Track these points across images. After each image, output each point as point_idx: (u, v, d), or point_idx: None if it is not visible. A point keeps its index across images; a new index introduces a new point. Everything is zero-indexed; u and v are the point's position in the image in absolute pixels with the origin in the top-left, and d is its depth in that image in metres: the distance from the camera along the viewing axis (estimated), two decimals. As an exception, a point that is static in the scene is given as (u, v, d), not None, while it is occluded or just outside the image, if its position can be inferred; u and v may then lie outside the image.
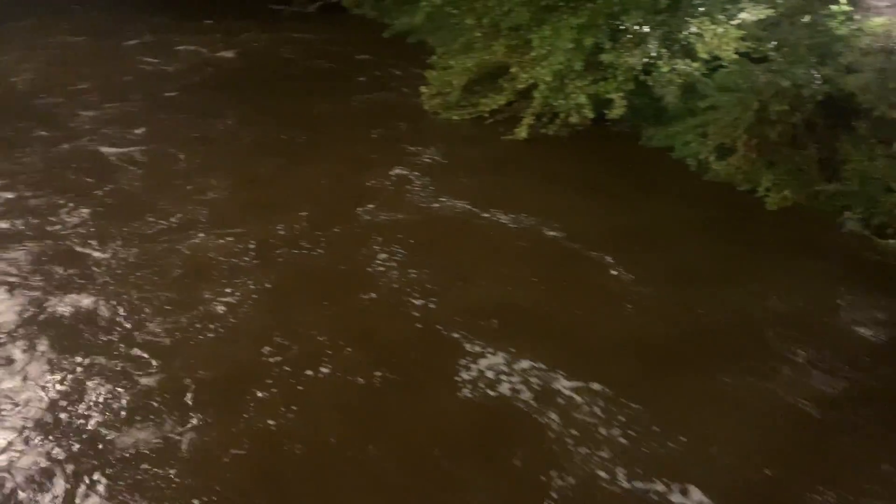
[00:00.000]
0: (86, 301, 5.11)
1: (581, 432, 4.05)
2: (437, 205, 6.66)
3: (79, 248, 5.81)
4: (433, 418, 4.20)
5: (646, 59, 7.61)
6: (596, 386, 4.36)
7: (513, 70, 8.41)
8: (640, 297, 5.34)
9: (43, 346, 4.67)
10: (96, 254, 5.73)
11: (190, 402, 4.22)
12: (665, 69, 7.53)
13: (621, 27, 7.85)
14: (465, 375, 4.46)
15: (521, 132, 8.00)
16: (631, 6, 7.73)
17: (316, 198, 6.81)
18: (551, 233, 6.22)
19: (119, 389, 4.31)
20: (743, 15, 7.73)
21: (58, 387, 4.32)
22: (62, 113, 8.78)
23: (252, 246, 5.85)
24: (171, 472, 3.75)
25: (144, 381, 4.39)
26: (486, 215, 6.45)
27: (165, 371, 4.46)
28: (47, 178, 7.05)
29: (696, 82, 7.45)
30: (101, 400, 4.22)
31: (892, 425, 4.17)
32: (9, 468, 3.75)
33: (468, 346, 4.70)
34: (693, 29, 7.68)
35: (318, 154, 7.85)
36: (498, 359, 4.59)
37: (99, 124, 8.43)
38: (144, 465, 3.79)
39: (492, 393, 4.33)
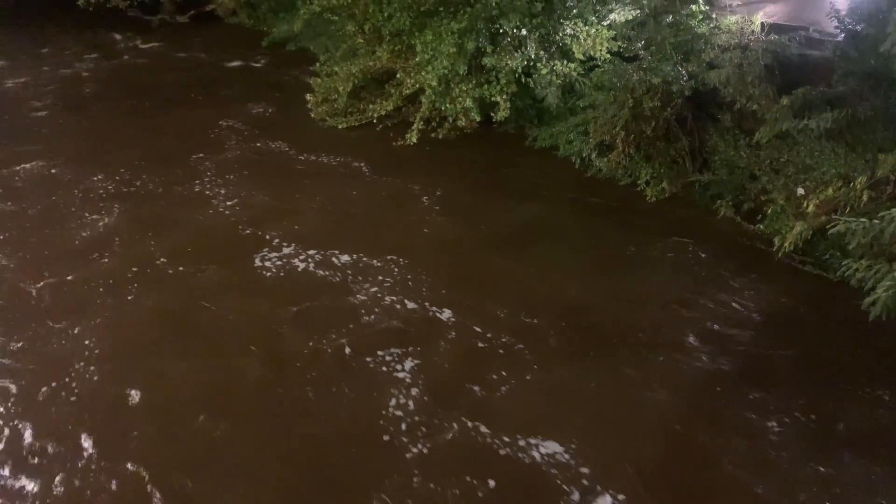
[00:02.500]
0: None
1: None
2: (324, 214, 6.58)
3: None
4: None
5: (526, 62, 7.84)
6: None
7: (399, 75, 8.43)
8: (525, 286, 5.57)
9: None
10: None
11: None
12: (544, 70, 7.79)
13: (501, 31, 8.03)
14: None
15: (412, 137, 8.04)
16: (508, 10, 7.91)
17: (202, 214, 6.55)
18: (437, 230, 6.35)
19: None
20: (612, 16, 8.12)
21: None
22: None
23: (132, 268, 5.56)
24: None
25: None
26: (367, 233, 6.42)
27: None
28: None
29: (575, 82, 7.77)
30: None
31: (764, 391, 4.53)
32: None
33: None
34: (568, 31, 7.98)
35: (195, 164, 7.53)
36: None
37: None
38: None
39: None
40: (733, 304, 5.38)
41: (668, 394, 4.53)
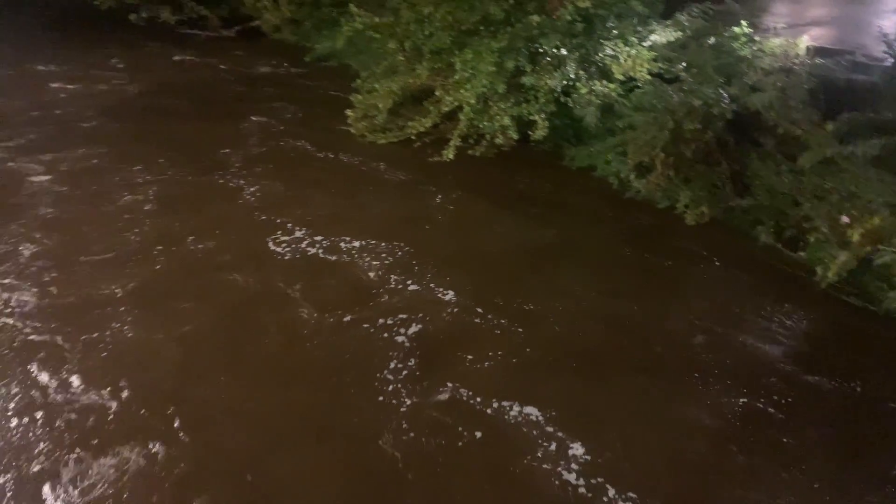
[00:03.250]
0: None
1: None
2: (363, 225, 6.65)
3: None
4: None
5: (565, 81, 7.86)
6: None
7: (437, 93, 8.50)
8: (550, 302, 5.54)
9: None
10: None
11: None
12: (583, 90, 7.79)
13: (540, 50, 8.06)
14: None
15: (448, 153, 8.09)
16: (548, 30, 7.95)
17: (230, 221, 6.68)
18: (474, 245, 6.39)
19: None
20: (654, 37, 8.09)
21: None
22: None
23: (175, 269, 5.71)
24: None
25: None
26: (405, 238, 6.45)
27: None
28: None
29: (614, 103, 7.74)
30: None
31: (799, 434, 4.41)
32: None
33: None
34: (608, 51, 7.98)
35: (239, 174, 7.68)
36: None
37: (13, 152, 8.00)
38: None
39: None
40: (772, 333, 5.27)
41: (693, 416, 4.44)
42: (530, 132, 7.93)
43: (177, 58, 12.29)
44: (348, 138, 8.82)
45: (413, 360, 4.84)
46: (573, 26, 7.88)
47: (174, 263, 5.85)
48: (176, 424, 4.22)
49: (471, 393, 4.56)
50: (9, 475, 3.84)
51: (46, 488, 3.78)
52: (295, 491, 3.86)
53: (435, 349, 4.99)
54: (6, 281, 5.48)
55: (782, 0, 11.14)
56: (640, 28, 8.16)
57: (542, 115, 7.79)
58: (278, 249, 6.19)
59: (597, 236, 6.75)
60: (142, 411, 4.31)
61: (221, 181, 7.50)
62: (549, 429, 4.32)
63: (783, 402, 4.61)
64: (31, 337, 4.89)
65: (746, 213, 6.70)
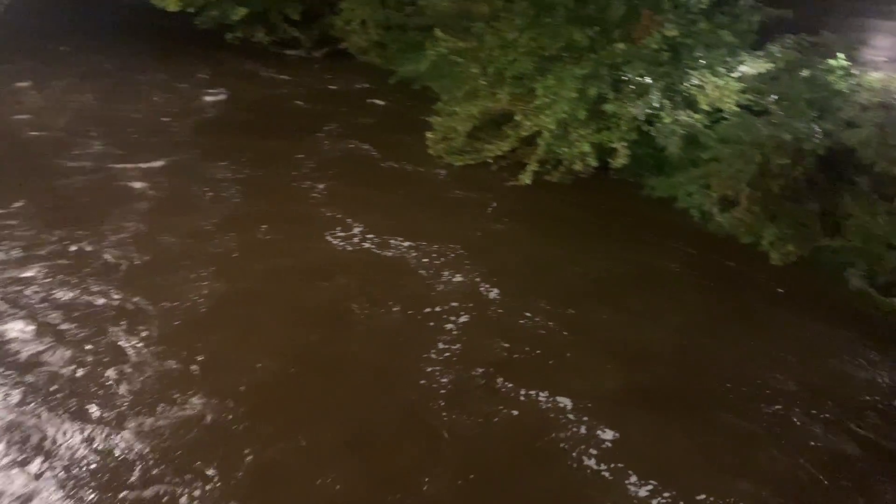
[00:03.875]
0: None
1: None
2: (432, 249, 6.70)
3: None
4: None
5: (648, 110, 7.72)
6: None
7: (517, 117, 8.51)
8: (618, 333, 5.44)
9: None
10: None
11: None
12: (667, 120, 7.63)
13: (624, 78, 7.98)
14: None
15: (525, 178, 8.06)
16: (633, 58, 7.87)
17: (308, 236, 6.92)
18: (546, 268, 6.33)
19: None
20: (743, 68, 7.88)
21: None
22: (75, 155, 8.73)
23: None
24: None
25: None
26: (477, 260, 6.46)
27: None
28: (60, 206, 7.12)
29: (699, 133, 7.54)
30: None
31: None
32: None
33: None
34: (694, 81, 7.82)
35: (318, 202, 7.90)
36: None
37: (107, 160, 8.52)
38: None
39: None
40: (861, 383, 4.98)
41: (769, 465, 4.22)
42: (610, 160, 7.83)
43: (268, 76, 12.82)
44: (426, 159, 8.93)
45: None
46: (659, 55, 7.77)
47: (245, 249, 6.48)
48: (233, 384, 4.69)
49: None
50: (102, 415, 4.38)
51: (131, 424, 4.29)
52: (350, 446, 4.30)
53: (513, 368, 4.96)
54: (106, 256, 6.15)
55: (883, 33, 10.63)
56: (728, 58, 7.96)
57: (624, 143, 7.68)
58: (339, 243, 6.64)
59: (675, 269, 6.57)
60: (209, 370, 4.83)
61: (295, 184, 8.02)
62: (582, 417, 4.27)
63: (872, 455, 4.33)
64: (116, 299, 5.53)
65: (836, 254, 6.38)
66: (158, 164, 8.39)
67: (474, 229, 7.18)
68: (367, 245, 6.67)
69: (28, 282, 5.65)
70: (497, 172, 8.49)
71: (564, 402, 4.69)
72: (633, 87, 7.90)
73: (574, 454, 4.28)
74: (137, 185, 7.72)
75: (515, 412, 4.59)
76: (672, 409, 4.73)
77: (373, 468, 4.17)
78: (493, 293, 5.92)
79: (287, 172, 8.33)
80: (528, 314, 5.66)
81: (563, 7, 8.48)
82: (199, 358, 4.92)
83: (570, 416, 4.56)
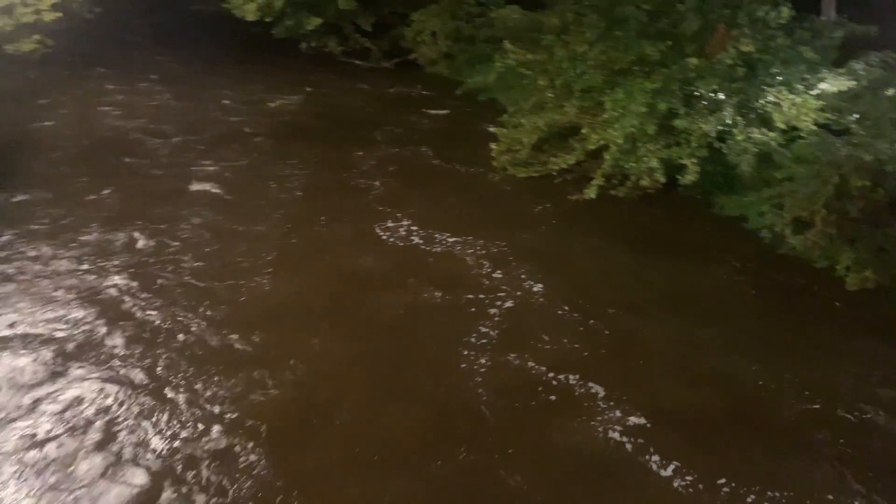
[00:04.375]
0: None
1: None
2: (492, 254, 6.69)
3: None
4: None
5: (720, 126, 7.53)
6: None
7: (584, 131, 8.44)
8: (676, 354, 5.30)
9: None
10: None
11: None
12: (740, 137, 7.43)
13: (696, 93, 7.82)
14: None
15: (590, 192, 7.95)
16: (706, 73, 7.71)
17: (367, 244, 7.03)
18: (608, 293, 6.20)
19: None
20: (823, 85, 7.62)
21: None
22: (154, 151, 9.36)
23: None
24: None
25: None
26: (540, 275, 6.40)
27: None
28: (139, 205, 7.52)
29: (773, 152, 7.31)
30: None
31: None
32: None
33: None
34: (770, 98, 7.60)
35: (377, 199, 8.06)
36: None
37: (182, 156, 9.08)
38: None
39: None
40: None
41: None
42: (679, 176, 7.66)
43: (338, 84, 13.14)
44: (489, 169, 8.96)
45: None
46: (734, 70, 7.59)
47: (304, 239, 7.00)
48: (291, 361, 5.02)
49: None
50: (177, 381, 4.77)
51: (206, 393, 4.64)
52: (395, 414, 4.60)
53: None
54: (175, 244, 6.64)
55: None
56: (807, 75, 7.72)
57: (693, 160, 7.50)
58: (392, 239, 7.01)
59: (743, 290, 6.35)
60: (268, 346, 5.21)
61: (353, 183, 8.39)
62: (634, 439, 4.13)
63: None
64: (193, 282, 6.02)
65: (920, 281, 6.06)
66: (228, 161, 8.88)
67: (537, 239, 7.16)
68: (418, 240, 6.93)
69: (116, 253, 6.42)
70: (561, 185, 8.43)
71: (617, 414, 4.60)
72: (705, 102, 7.73)
73: (624, 470, 4.19)
74: (209, 179, 8.29)
75: (569, 420, 4.53)
76: (731, 435, 4.56)
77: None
78: (556, 303, 5.87)
79: (350, 177, 8.59)
80: (587, 323, 5.61)
81: (634, 21, 8.40)
82: (256, 334, 5.35)
83: (624, 437, 4.46)
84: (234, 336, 5.24)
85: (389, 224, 7.29)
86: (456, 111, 11.56)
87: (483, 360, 5.12)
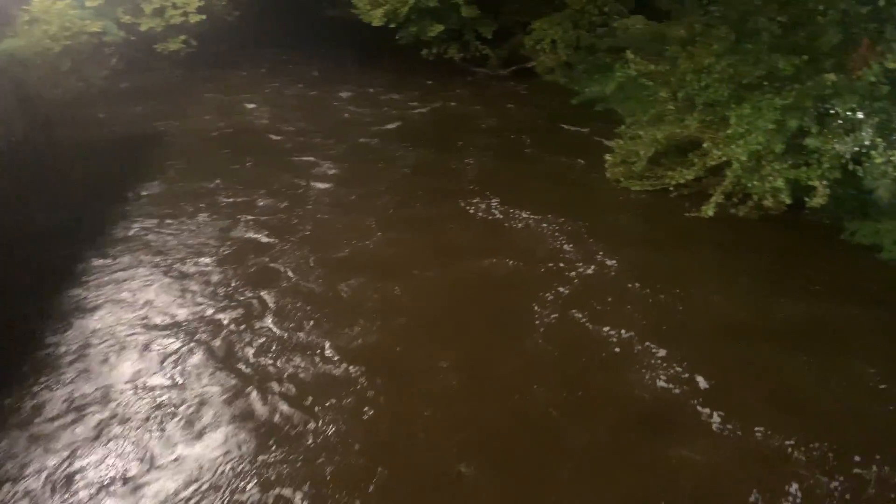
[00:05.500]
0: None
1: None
2: (605, 273, 6.57)
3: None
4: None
5: (857, 148, 7.03)
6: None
7: (705, 146, 8.14)
8: (798, 389, 5.04)
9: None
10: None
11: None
12: (879, 160, 6.89)
13: (831, 111, 7.34)
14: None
15: (709, 210, 7.65)
16: (844, 90, 7.23)
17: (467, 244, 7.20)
18: (723, 315, 5.95)
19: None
20: (982, 108, 6.96)
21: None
22: (282, 138, 10.34)
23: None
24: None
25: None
26: (650, 290, 6.26)
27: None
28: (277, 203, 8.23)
29: (917, 178, 6.75)
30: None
31: None
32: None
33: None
34: (917, 119, 7.02)
35: (483, 203, 8.15)
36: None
37: (307, 155, 9.66)
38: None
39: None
40: None
41: None
42: (806, 198, 7.21)
43: (454, 90, 13.38)
44: (600, 181, 8.84)
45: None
46: (876, 88, 7.06)
47: (404, 216, 7.81)
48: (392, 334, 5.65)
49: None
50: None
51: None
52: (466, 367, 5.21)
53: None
54: (294, 236, 7.27)
55: None
56: (963, 96, 7.07)
57: (824, 182, 7.04)
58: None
59: (870, 326, 5.89)
60: (367, 294, 6.15)
61: (461, 199, 8.38)
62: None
63: None
64: (309, 234, 7.22)
65: None
66: (343, 157, 9.59)
67: (650, 255, 7.00)
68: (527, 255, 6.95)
69: (248, 211, 7.77)
70: (676, 201, 8.17)
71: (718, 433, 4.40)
72: (842, 121, 7.24)
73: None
74: (325, 170, 9.15)
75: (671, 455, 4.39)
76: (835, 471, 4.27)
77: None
78: (672, 324, 5.72)
79: (457, 188, 8.68)
80: (707, 348, 5.43)
81: (767, 33, 8.02)
82: (358, 282, 6.35)
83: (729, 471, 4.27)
84: (342, 282, 6.31)
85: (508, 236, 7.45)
86: (570, 121, 11.45)
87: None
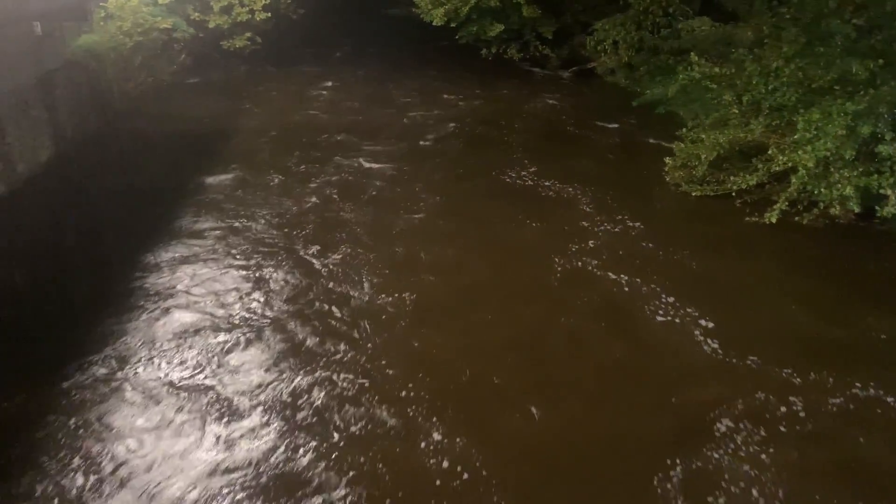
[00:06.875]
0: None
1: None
2: (665, 283, 6.45)
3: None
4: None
5: (934, 157, 6.72)
6: None
7: (770, 151, 7.89)
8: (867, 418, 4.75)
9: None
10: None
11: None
12: (957, 170, 6.59)
13: (908, 118, 7.03)
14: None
15: (772, 216, 7.40)
16: (923, 96, 6.92)
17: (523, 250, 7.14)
18: (788, 328, 5.75)
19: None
20: None
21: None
22: (343, 143, 10.43)
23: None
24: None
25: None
26: (719, 306, 6.10)
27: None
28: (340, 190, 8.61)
29: None
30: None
31: None
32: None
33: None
34: None
35: (543, 208, 8.12)
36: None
37: (365, 154, 9.83)
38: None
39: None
40: None
41: None
42: (877, 207, 6.92)
43: (513, 90, 13.34)
44: (660, 185, 8.69)
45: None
46: (959, 95, 6.75)
47: (458, 199, 8.33)
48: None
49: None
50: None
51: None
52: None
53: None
54: (353, 232, 7.46)
55: None
56: None
57: (897, 191, 6.76)
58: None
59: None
60: (414, 254, 6.92)
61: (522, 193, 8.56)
62: None
63: None
64: (364, 208, 7.94)
65: None
66: (398, 155, 9.77)
67: (712, 264, 6.83)
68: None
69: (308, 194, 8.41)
70: (738, 207, 7.94)
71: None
72: (918, 128, 6.94)
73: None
74: (378, 167, 9.43)
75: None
76: None
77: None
78: (715, 341, 5.58)
79: (513, 183, 8.85)
80: (745, 362, 5.26)
81: (842, 36, 7.72)
82: (406, 245, 7.07)
83: None
84: (395, 244, 7.09)
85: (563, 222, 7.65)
86: (630, 123, 11.31)
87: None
